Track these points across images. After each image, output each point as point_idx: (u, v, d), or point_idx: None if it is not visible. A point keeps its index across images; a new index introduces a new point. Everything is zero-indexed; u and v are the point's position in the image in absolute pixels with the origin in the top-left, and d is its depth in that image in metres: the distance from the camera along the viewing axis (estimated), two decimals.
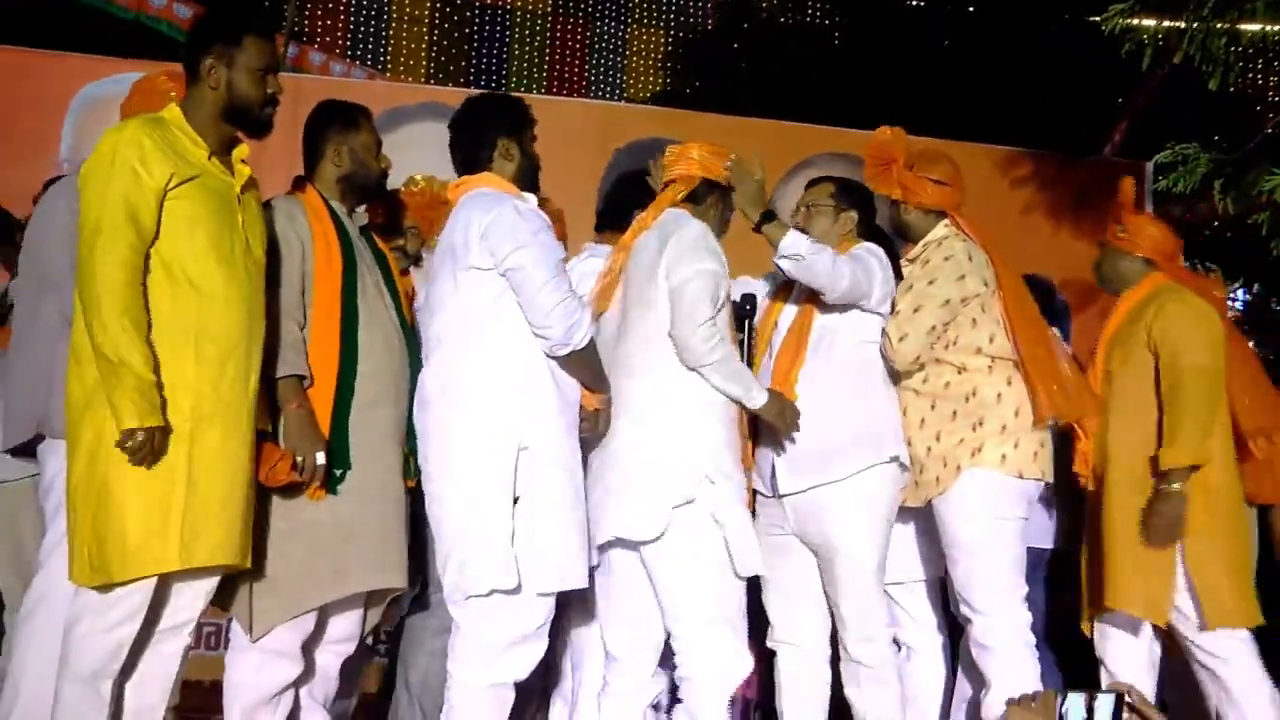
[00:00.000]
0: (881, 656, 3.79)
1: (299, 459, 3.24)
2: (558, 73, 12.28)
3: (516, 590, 3.23)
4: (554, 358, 3.34)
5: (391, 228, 4.05)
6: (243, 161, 3.24)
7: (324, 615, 3.42)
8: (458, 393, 3.31)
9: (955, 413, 3.85)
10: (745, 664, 3.49)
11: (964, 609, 3.84)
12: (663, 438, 3.46)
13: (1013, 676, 3.71)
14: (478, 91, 4.13)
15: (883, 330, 3.83)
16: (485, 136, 3.50)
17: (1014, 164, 6.63)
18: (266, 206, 3.42)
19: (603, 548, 3.50)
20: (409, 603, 3.92)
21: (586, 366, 3.42)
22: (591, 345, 3.40)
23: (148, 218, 2.98)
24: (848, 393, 3.81)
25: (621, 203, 4.05)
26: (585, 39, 12.50)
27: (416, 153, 4.74)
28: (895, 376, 3.93)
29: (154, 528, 2.95)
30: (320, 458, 3.26)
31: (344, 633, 3.49)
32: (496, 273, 3.29)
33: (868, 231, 4.05)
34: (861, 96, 9.68)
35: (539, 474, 3.28)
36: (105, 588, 2.97)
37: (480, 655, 3.26)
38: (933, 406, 3.88)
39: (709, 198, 3.73)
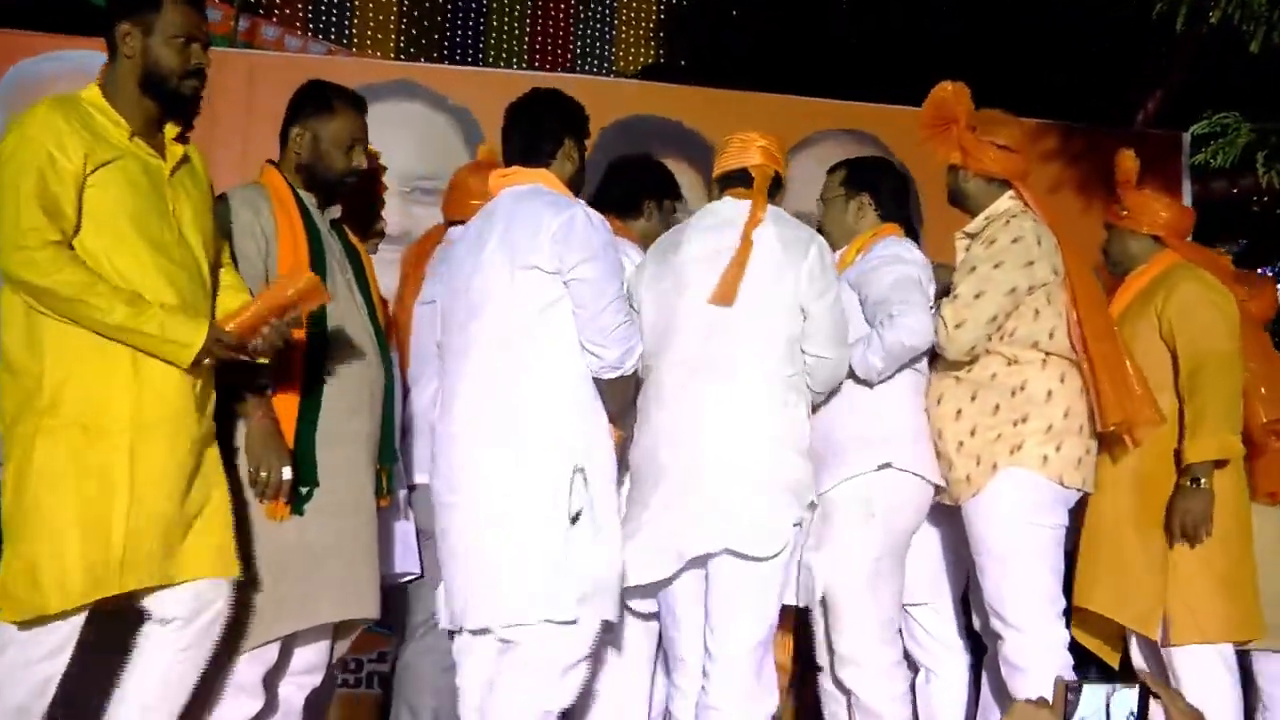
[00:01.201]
0: (870, 686, 3.74)
1: (263, 474, 3.20)
2: (540, 45, 12.16)
3: (576, 619, 3.28)
4: (596, 379, 3.38)
5: (369, 220, 3.94)
6: (177, 139, 3.17)
7: (288, 645, 3.34)
8: (509, 402, 3.31)
9: (998, 406, 3.73)
10: (775, 699, 3.53)
11: (995, 623, 3.72)
12: (779, 452, 3.50)
13: None
14: (452, 68, 4.10)
15: (938, 315, 3.73)
16: (554, 132, 3.54)
17: (1038, 137, 6.41)
18: (223, 196, 3.31)
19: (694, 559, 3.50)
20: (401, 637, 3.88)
21: (622, 395, 3.50)
22: (634, 374, 3.46)
23: (68, 206, 2.92)
24: (841, 393, 3.78)
25: (627, 188, 4.12)
26: (569, 8, 12.38)
27: (387, 135, 4.64)
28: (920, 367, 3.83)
29: (93, 550, 2.87)
30: (287, 473, 3.22)
31: (309, 664, 3.44)
32: (559, 279, 3.30)
33: (890, 209, 4.00)
34: (868, 67, 9.59)
35: (596, 497, 3.31)
36: (34, 620, 2.86)
37: (532, 682, 3.28)
38: (973, 397, 3.76)
39: (776, 194, 3.76)
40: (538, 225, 3.32)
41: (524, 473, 3.28)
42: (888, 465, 3.74)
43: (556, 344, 3.33)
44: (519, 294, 3.33)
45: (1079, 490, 3.79)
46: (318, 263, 3.36)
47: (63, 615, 2.88)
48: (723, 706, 3.43)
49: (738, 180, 3.74)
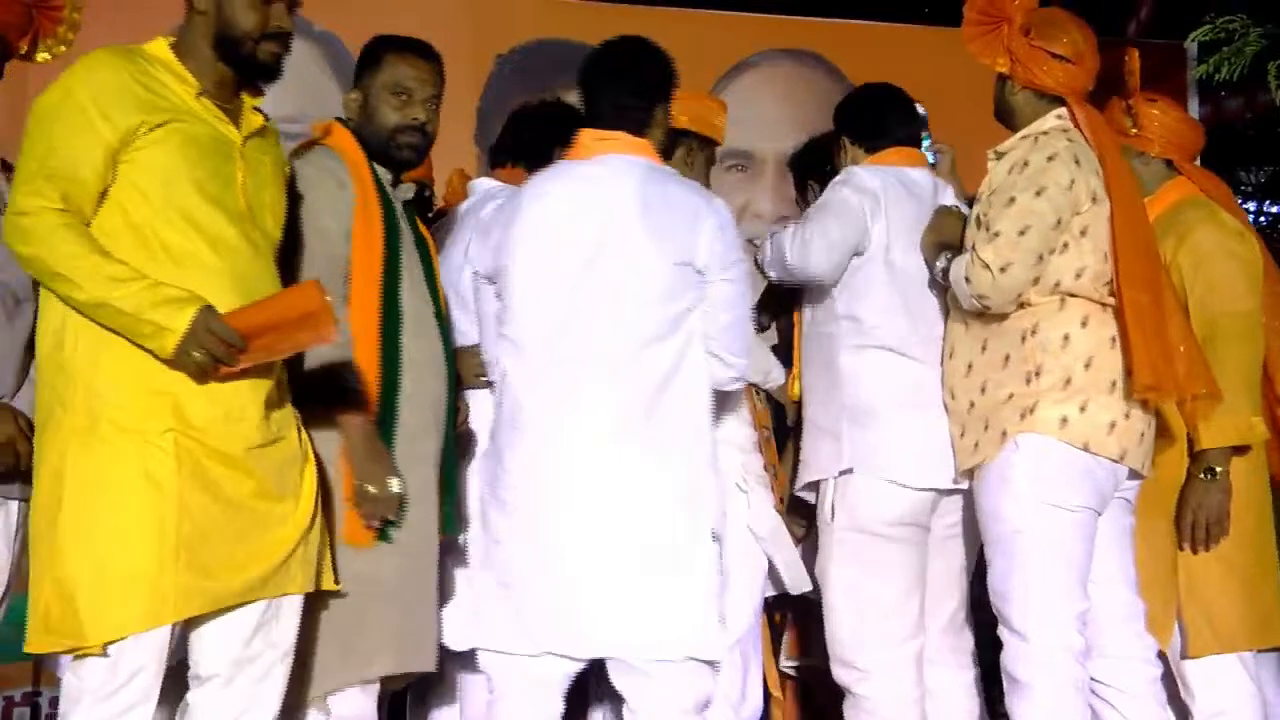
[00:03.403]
0: (869, 686, 3.74)
1: (370, 489, 3.21)
2: None
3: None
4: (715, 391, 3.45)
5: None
6: (257, 109, 3.10)
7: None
8: (659, 410, 3.34)
9: (1008, 357, 3.54)
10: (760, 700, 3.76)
11: (1001, 626, 3.56)
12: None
13: None
14: None
15: (972, 259, 3.53)
16: (652, 97, 3.49)
17: None
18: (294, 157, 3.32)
19: None
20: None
21: None
22: None
23: (88, 172, 2.86)
24: (809, 369, 3.89)
25: (536, 137, 4.00)
26: None
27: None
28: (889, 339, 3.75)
29: (140, 571, 2.83)
30: (396, 485, 3.23)
31: (345, 715, 3.33)
32: (703, 279, 3.36)
33: (877, 137, 3.95)
34: None
35: (730, 512, 3.45)
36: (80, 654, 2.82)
37: None
38: (983, 348, 3.60)
39: (677, 150, 3.85)
40: (694, 217, 3.36)
41: (683, 490, 3.34)
42: (849, 471, 3.72)
43: (696, 350, 3.38)
44: (672, 291, 3.35)
45: (1118, 462, 3.54)
46: (392, 249, 3.35)
47: (104, 648, 2.79)
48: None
49: None
